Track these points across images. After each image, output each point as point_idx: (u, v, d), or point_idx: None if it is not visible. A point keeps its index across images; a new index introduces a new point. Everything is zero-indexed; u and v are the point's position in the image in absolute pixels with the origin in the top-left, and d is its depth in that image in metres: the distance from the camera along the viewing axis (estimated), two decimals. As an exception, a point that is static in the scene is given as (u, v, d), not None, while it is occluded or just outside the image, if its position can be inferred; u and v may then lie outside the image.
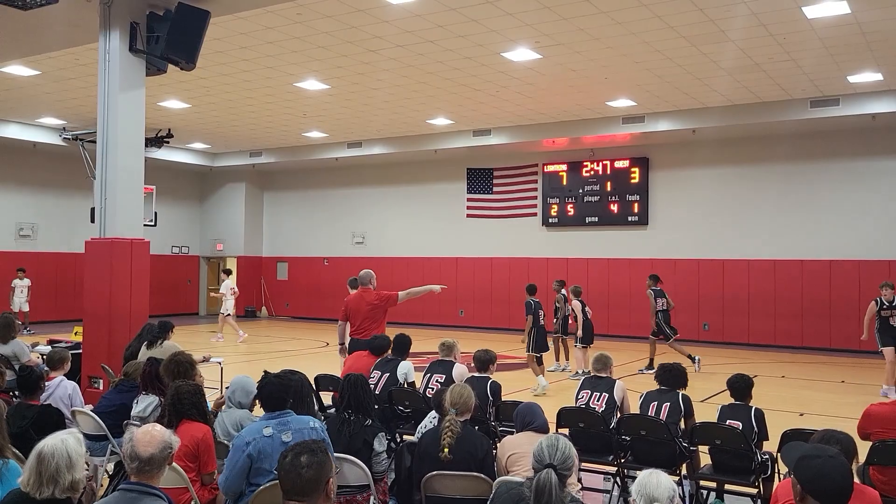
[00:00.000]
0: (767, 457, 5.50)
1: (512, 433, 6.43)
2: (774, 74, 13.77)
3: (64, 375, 6.72)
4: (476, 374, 6.82)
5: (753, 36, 11.62)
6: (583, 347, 13.16)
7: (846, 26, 11.11)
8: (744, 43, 11.96)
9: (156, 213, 17.86)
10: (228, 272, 19.46)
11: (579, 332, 13.17)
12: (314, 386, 7.52)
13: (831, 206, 17.24)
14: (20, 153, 20.59)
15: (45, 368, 6.75)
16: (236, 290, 19.02)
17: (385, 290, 9.42)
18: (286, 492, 2.91)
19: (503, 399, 6.60)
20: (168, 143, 19.69)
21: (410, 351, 7.74)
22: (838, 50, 12.27)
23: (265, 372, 4.72)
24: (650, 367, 13.13)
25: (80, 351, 9.20)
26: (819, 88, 14.77)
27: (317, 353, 15.92)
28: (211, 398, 5.55)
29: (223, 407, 5.39)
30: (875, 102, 15.05)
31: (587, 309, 13.46)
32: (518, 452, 4.38)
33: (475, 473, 4.41)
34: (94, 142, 9.92)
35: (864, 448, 4.79)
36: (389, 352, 7.66)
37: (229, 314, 18.32)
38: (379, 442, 4.89)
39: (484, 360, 6.82)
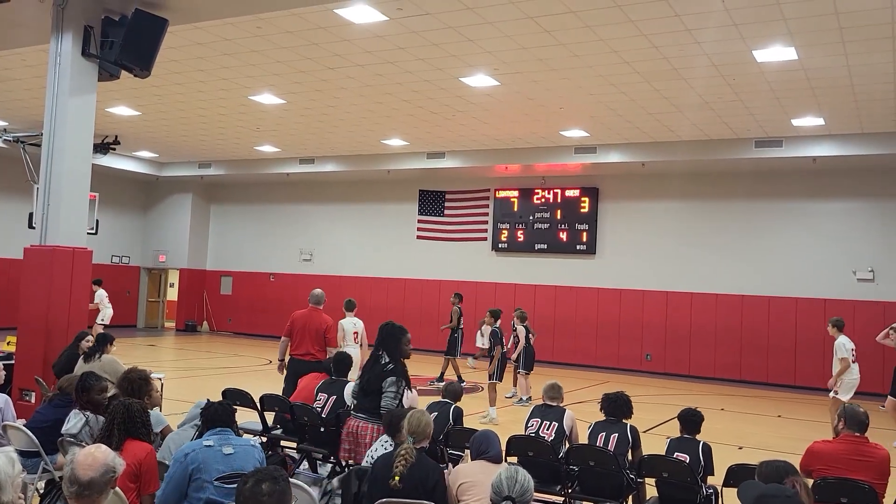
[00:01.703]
0: (712, 491, 5.56)
1: (459, 459, 6.43)
2: (723, 113, 14.18)
3: (-5, 388, 6.43)
4: (441, 399, 6.84)
5: (705, 76, 11.94)
6: (525, 374, 13.21)
7: (793, 71, 11.51)
8: (695, 82, 12.29)
9: (98, 220, 17.35)
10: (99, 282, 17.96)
11: (515, 358, 13.20)
12: (258, 406, 7.37)
13: (771, 243, 17.76)
14: (-44, 152, 19.84)
15: (-25, 380, 6.45)
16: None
17: (335, 331, 9.45)
18: None
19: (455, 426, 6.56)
20: (114, 150, 19.22)
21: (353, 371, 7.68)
22: (784, 94, 12.70)
23: (208, 400, 4.68)
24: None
25: (13, 362, 8.83)
26: (764, 129, 15.26)
27: (258, 371, 15.61)
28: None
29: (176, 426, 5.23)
30: (816, 146, 15.60)
31: (531, 335, 13.54)
32: (469, 481, 4.33)
33: (424, 502, 4.34)
34: (37, 145, 9.63)
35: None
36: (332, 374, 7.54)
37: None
38: (389, 383, 5.89)
39: (456, 393, 6.98)
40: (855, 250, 16.93)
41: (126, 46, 8.71)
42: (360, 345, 10.95)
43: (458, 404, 6.81)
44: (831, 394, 10.68)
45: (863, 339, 15.81)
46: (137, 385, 5.49)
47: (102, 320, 17.42)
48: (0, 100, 16.01)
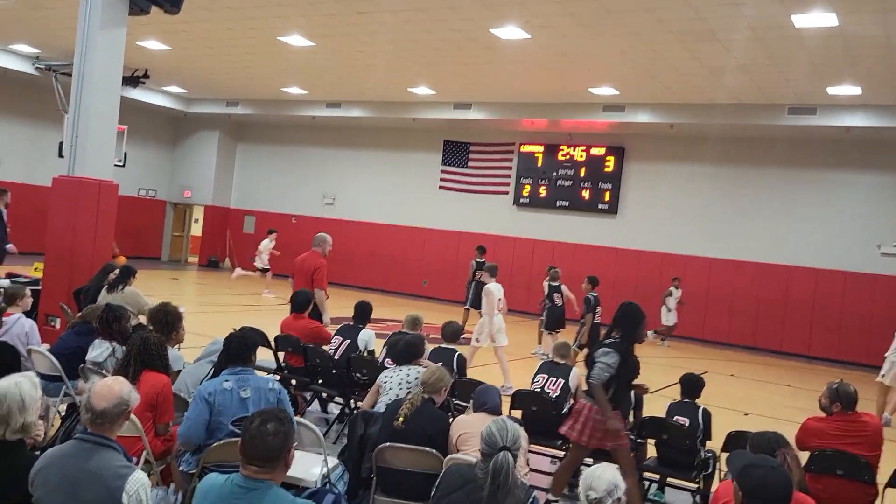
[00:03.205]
0: (710, 455, 5.67)
1: (464, 409, 6.58)
2: (757, 78, 13.92)
3: (22, 312, 6.64)
4: (443, 346, 6.94)
5: (741, 38, 11.71)
6: (549, 333, 13.23)
7: (832, 38, 11.25)
8: (731, 44, 12.05)
9: (126, 153, 17.55)
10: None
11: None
12: (273, 346, 7.55)
13: (796, 213, 17.58)
14: (-11, 78, 20.04)
15: (2, 304, 6.66)
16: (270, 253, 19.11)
17: (324, 273, 9.03)
18: (248, 456, 2.92)
19: (462, 378, 6.70)
20: (144, 83, 19.30)
21: (371, 317, 7.81)
22: (821, 60, 12.43)
23: (233, 329, 4.79)
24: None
25: (39, 287, 9.08)
26: (798, 96, 14.97)
27: (277, 311, 15.86)
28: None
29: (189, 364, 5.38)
30: (850, 116, 15.30)
31: (558, 294, 13.61)
32: (469, 432, 4.46)
33: (426, 448, 4.48)
34: (69, 75, 9.71)
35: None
36: (352, 319, 7.70)
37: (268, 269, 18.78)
38: (603, 353, 5.44)
39: (455, 332, 7.01)
40: (881, 224, 16.72)
41: (157, -19, 8.71)
42: (501, 311, 10.64)
43: (459, 351, 6.92)
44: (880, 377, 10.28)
45: (884, 314, 15.81)
46: (171, 319, 5.64)
47: (258, 266, 18.54)
48: (33, 28, 16.09)
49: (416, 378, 5.17)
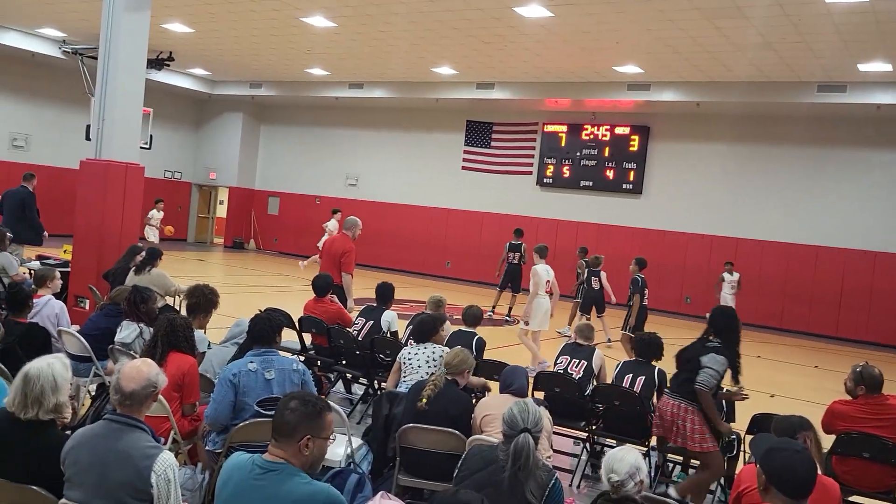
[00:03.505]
0: (735, 437, 5.65)
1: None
2: (785, 55, 13.67)
3: (52, 294, 6.76)
4: (463, 329, 6.95)
5: (769, 15, 11.49)
6: (581, 315, 13.17)
7: (863, 13, 11.01)
8: (759, 21, 11.84)
9: (151, 135, 17.68)
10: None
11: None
12: (297, 327, 7.62)
13: (824, 192, 17.32)
14: (18, 62, 20.24)
15: (33, 286, 6.78)
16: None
17: (352, 257, 8.97)
18: (272, 430, 2.98)
19: (484, 358, 6.72)
20: (168, 66, 19.41)
21: (395, 298, 7.84)
22: (851, 36, 12.17)
23: (259, 310, 4.84)
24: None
25: (69, 269, 9.23)
26: (828, 73, 14.70)
27: (301, 292, 15.99)
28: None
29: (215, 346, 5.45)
30: (882, 93, 15.00)
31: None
32: (493, 414, 4.48)
33: (449, 429, 4.52)
34: (95, 58, 9.79)
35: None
36: (375, 300, 7.74)
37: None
38: (712, 360, 5.24)
39: (476, 317, 7.02)
40: (912, 204, 16.45)
41: (180, -36, 8.72)
42: (551, 293, 10.33)
43: (480, 335, 6.93)
44: None
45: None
46: (206, 300, 5.71)
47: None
48: (58, 11, 16.22)
49: (441, 357, 5.21)
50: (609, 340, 13.03)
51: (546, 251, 10.61)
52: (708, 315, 5.63)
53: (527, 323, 10.15)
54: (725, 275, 16.48)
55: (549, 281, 10.17)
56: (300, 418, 2.94)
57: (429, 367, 5.53)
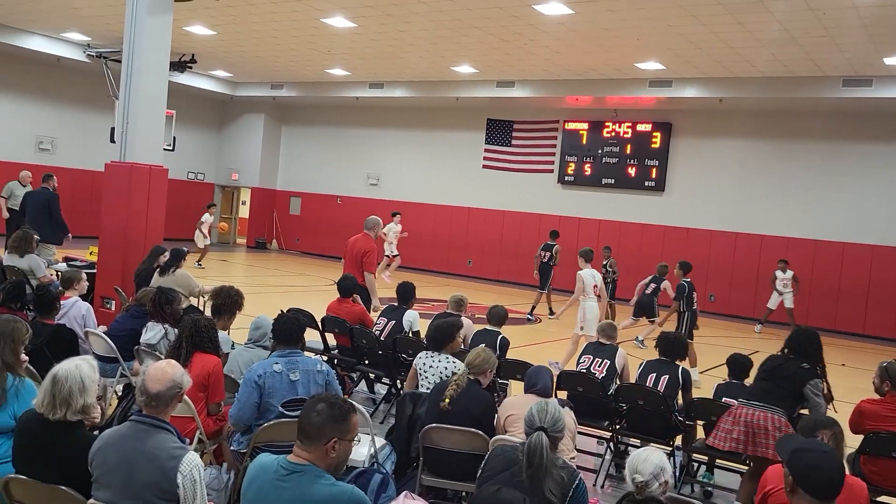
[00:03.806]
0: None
1: (504, 388, 6.61)
2: (810, 50, 13.50)
3: (78, 295, 6.84)
4: (488, 328, 6.95)
5: (793, 9, 11.35)
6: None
7: (889, 6, 10.84)
8: (782, 15, 11.70)
9: (174, 137, 17.83)
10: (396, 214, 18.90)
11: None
12: (321, 327, 7.66)
13: (850, 187, 17.08)
14: (44, 66, 20.52)
15: (60, 287, 6.87)
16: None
17: (373, 257, 9.09)
18: (297, 431, 2.99)
19: (508, 357, 6.71)
20: (191, 68, 19.56)
21: (417, 298, 7.86)
22: (878, 30, 11.99)
23: (281, 311, 4.87)
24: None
25: (94, 271, 9.34)
26: (853, 68, 14.49)
27: (323, 292, 16.07)
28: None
29: (240, 346, 5.48)
30: (909, 87, 14.78)
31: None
32: (516, 414, 4.47)
33: (472, 429, 4.51)
34: (119, 61, 9.90)
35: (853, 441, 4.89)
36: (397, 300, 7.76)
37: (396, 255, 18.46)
38: (815, 386, 5.26)
39: (500, 317, 7.01)
40: (940, 199, 16.19)
41: (202, -33, 8.79)
42: (599, 297, 10.11)
43: (504, 334, 6.92)
44: None
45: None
46: (231, 301, 5.76)
47: (387, 253, 18.16)
48: (83, 15, 16.42)
49: (454, 374, 5.10)
50: (640, 340, 12.87)
51: (591, 255, 10.38)
52: (789, 334, 5.50)
53: (581, 328, 9.84)
54: (778, 272, 16.09)
55: (596, 286, 9.96)
56: (327, 421, 2.95)
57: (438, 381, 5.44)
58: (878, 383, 5.25)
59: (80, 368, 3.41)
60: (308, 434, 2.95)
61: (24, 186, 13.93)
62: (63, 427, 3.31)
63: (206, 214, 19.14)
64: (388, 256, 18.09)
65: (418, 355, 5.69)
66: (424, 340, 6.90)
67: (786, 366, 5.27)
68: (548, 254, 15.58)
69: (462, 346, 6.82)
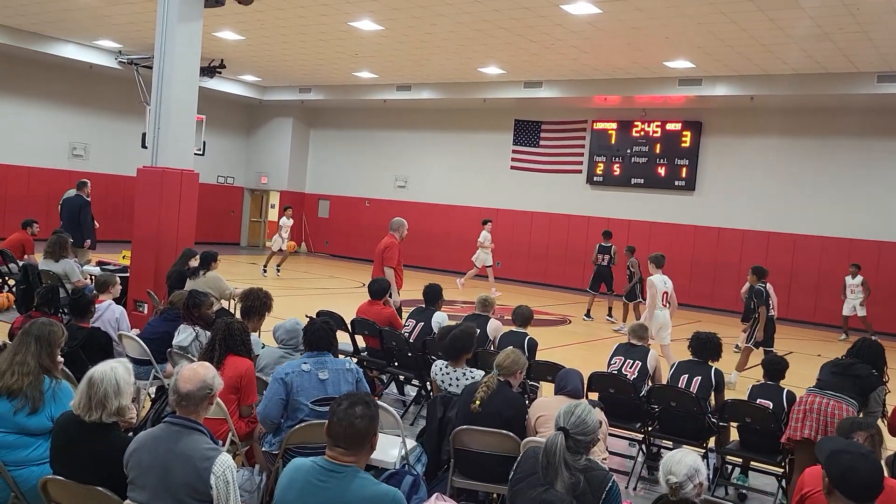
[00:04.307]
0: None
1: (535, 390, 6.58)
2: (843, 46, 13.28)
3: (112, 299, 6.94)
4: (514, 329, 6.92)
5: (825, 4, 11.17)
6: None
7: (925, 0, 10.62)
8: (814, 11, 11.52)
9: (204, 142, 18.05)
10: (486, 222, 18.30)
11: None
12: (350, 329, 7.69)
13: (885, 185, 16.74)
14: (77, 73, 20.88)
15: (94, 291, 6.97)
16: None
17: (393, 252, 9.13)
18: (335, 438, 2.96)
19: (537, 359, 6.67)
20: (220, 73, 19.77)
21: (444, 300, 7.85)
22: (913, 24, 11.76)
23: (310, 317, 4.89)
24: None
25: (128, 275, 9.47)
26: (888, 63, 14.22)
27: (353, 294, 16.14)
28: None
29: (278, 350, 5.51)
30: (946, 82, 14.47)
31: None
32: (546, 415, 4.45)
33: (503, 431, 4.50)
34: (150, 67, 10.03)
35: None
36: (423, 302, 7.76)
37: (490, 265, 17.88)
38: (880, 395, 5.35)
39: (525, 317, 6.96)
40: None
41: (231, -27, 8.88)
42: (669, 304, 9.68)
43: (531, 335, 6.87)
44: None
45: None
46: (260, 302, 5.80)
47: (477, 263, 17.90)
48: (114, 23, 16.68)
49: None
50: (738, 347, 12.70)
51: (662, 260, 9.93)
52: (854, 344, 5.51)
53: (652, 338, 9.21)
54: (848, 278, 15.37)
55: (666, 292, 9.58)
56: (370, 422, 2.98)
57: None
58: None
59: (115, 371, 3.45)
60: (354, 440, 2.94)
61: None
62: (99, 429, 3.36)
63: (284, 218, 18.96)
64: (478, 267, 17.81)
65: (434, 370, 5.52)
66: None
67: (860, 366, 5.27)
68: (606, 256, 15.43)
69: (491, 348, 6.81)
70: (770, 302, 10.25)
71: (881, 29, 12.11)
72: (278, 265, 18.37)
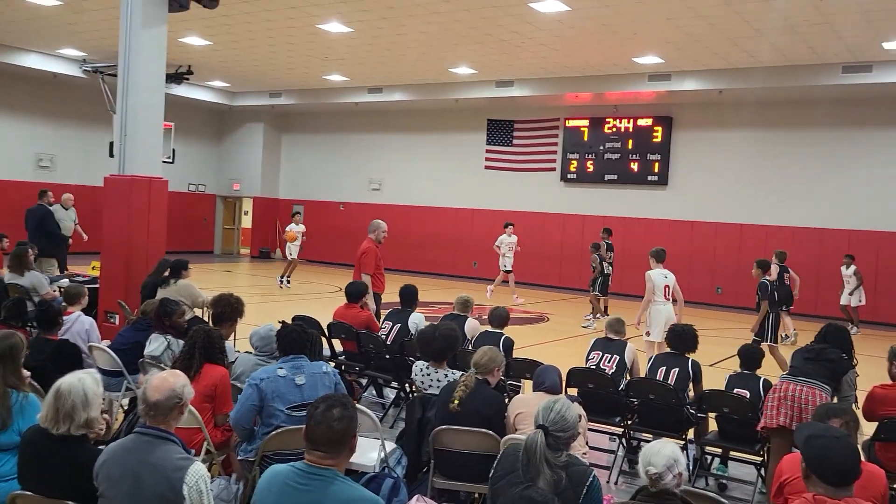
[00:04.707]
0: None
1: (518, 389, 6.56)
2: (808, 38, 13.44)
3: (81, 310, 6.80)
4: (490, 329, 6.89)
5: (789, -3, 11.31)
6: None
7: (886, -9, 10.78)
8: (779, 4, 11.64)
9: (174, 149, 17.86)
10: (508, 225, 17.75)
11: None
12: (327, 333, 7.61)
13: (854, 174, 16.98)
14: (41, 83, 20.54)
15: (63, 303, 6.83)
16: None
17: (369, 258, 8.88)
18: (313, 441, 2.90)
19: (514, 356, 6.65)
20: (188, 79, 19.55)
21: (422, 301, 7.80)
22: (876, 15, 11.92)
23: (283, 322, 4.82)
24: None
25: (97, 286, 9.31)
26: (853, 54, 14.42)
27: (329, 298, 16.04)
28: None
29: (252, 357, 5.43)
30: (909, 71, 14.70)
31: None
32: (525, 412, 4.43)
33: (483, 430, 4.46)
34: (115, 75, 9.87)
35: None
36: (400, 303, 7.71)
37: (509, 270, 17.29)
38: (849, 384, 5.35)
39: (502, 318, 6.93)
40: (945, 182, 16.07)
41: (195, -23, 8.77)
42: (675, 300, 9.36)
43: (507, 335, 6.84)
44: None
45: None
46: (231, 308, 5.72)
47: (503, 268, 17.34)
48: (78, 31, 16.44)
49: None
50: (788, 338, 12.85)
51: (663, 255, 9.60)
52: (821, 330, 5.55)
53: (648, 333, 9.20)
54: (842, 269, 15.39)
55: (667, 286, 9.25)
56: (348, 424, 2.93)
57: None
58: (890, 368, 5.21)
59: (83, 382, 3.37)
60: (332, 442, 2.89)
61: (67, 209, 13.92)
62: (67, 441, 3.27)
63: (293, 224, 18.51)
64: (503, 272, 17.19)
65: (415, 371, 5.46)
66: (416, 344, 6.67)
67: (831, 351, 5.31)
68: (611, 254, 15.31)
69: (469, 347, 6.78)
70: (776, 296, 10.09)
71: (845, 20, 12.27)
72: (287, 276, 17.83)
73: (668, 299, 9.17)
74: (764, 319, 9.98)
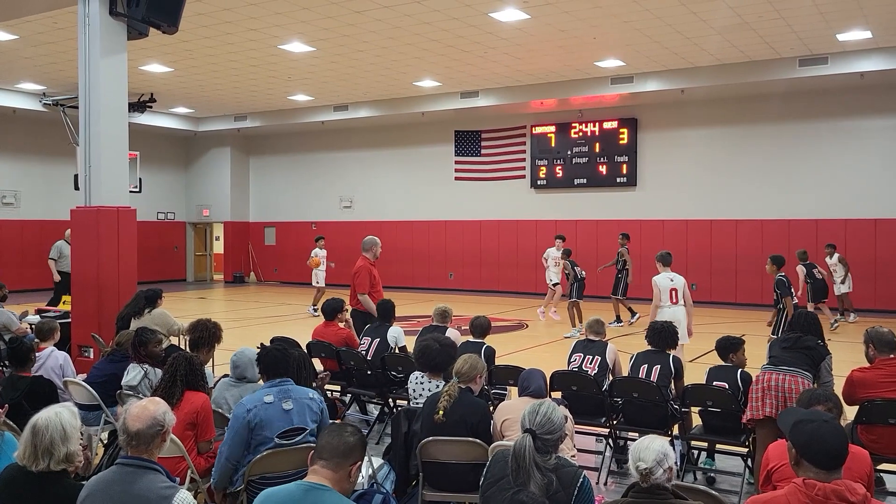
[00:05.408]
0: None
1: (503, 396, 6.54)
2: (764, 33, 13.68)
3: (54, 346, 6.68)
4: (472, 339, 6.86)
5: (743, -6, 11.50)
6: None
7: (836, -17, 11.01)
8: (734, 1, 11.84)
9: (140, 179, 17.64)
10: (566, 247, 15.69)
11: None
12: (306, 353, 7.53)
13: (818, 165, 17.29)
14: (0, 120, 20.24)
15: (35, 339, 6.70)
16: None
17: (362, 277, 8.74)
18: (320, 450, 2.94)
19: (497, 363, 6.64)
20: (151, 107, 19.39)
21: (400, 315, 7.76)
22: (828, 7, 12.18)
23: (262, 344, 4.76)
24: None
25: (70, 320, 9.15)
26: (808, 47, 14.70)
27: (307, 319, 15.92)
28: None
29: (226, 380, 5.35)
30: (863, 61, 15.00)
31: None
32: (511, 418, 4.42)
33: (469, 439, 4.44)
34: (76, 107, 9.75)
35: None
36: (377, 318, 7.68)
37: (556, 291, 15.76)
38: (827, 371, 5.55)
39: (483, 328, 6.89)
40: (906, 168, 16.39)
41: (152, 3, 8.70)
42: (685, 304, 9.14)
43: (488, 343, 6.82)
44: None
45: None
46: (209, 333, 5.65)
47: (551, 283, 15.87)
48: (36, 64, 16.24)
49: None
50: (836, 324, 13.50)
51: (669, 258, 9.51)
52: (793, 317, 5.79)
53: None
54: (826, 259, 15.28)
55: (674, 290, 9.11)
56: (359, 442, 2.99)
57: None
58: (865, 350, 5.29)
59: (60, 416, 3.30)
60: (339, 452, 2.92)
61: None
62: (47, 478, 3.19)
63: (317, 249, 17.45)
64: (551, 288, 15.55)
65: (411, 379, 5.52)
66: (413, 357, 6.75)
67: (808, 338, 5.46)
68: (623, 261, 15.25)
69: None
70: (792, 291, 10.03)
71: (797, 14, 12.51)
72: (314, 305, 16.66)
73: (676, 302, 9.06)
74: (780, 314, 9.82)
